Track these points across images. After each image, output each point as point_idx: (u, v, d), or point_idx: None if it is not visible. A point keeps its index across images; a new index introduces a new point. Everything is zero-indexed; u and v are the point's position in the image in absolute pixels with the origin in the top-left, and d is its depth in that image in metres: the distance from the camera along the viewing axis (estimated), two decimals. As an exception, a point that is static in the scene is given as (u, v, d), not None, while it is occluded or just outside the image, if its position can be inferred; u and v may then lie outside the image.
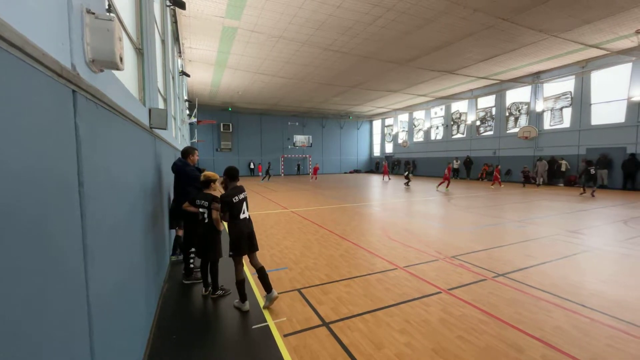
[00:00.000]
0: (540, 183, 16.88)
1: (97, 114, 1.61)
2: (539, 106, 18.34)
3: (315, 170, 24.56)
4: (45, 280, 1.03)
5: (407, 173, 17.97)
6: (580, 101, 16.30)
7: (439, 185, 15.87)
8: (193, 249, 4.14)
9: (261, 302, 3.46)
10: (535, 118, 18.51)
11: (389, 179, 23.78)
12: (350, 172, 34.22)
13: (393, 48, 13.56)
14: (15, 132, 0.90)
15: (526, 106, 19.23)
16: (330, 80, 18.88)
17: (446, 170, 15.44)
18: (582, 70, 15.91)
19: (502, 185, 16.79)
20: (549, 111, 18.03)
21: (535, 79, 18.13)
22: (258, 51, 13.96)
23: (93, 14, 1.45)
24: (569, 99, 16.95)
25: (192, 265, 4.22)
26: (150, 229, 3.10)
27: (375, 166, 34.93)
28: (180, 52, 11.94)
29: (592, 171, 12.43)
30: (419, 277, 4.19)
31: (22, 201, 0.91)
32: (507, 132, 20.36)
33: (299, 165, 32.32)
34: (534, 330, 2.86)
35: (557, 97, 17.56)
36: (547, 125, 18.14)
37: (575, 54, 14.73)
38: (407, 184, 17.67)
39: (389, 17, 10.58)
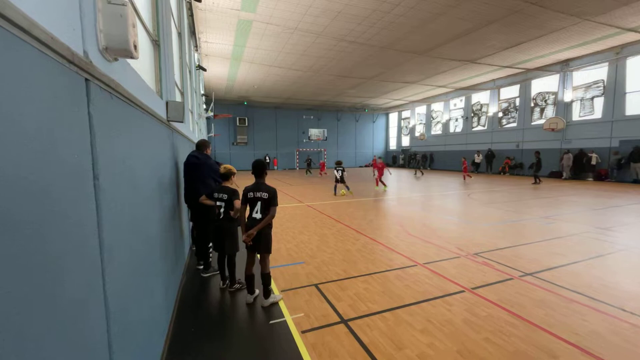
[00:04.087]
0: (567, 176, 16.39)
1: (112, 104, 1.57)
2: (568, 96, 17.31)
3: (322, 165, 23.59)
4: (61, 273, 0.99)
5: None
6: (614, 90, 15.25)
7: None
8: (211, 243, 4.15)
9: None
10: (563, 108, 17.51)
11: (470, 177, 17.52)
12: (366, 166, 33.81)
13: (411, 37, 13.08)
14: (24, 120, 0.84)
15: (553, 96, 18.22)
16: (346, 72, 18.54)
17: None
18: (617, 56, 14.84)
19: (471, 177, 16.48)
20: (579, 101, 17.00)
21: (564, 67, 17.10)
22: (273, 44, 13.85)
23: (105, -2, 1.39)
24: (601, 87, 15.89)
25: (211, 259, 4.24)
26: (168, 222, 3.10)
27: (393, 160, 34.33)
28: (196, 47, 11.99)
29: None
30: (440, 274, 4.03)
31: (32, 193, 0.86)
32: (532, 123, 19.41)
33: (310, 161, 24.93)
34: (568, 334, 2.67)
35: (588, 86, 16.51)
36: (575, 116, 17.14)
37: (610, 39, 13.73)
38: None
39: (407, 4, 10.18)
